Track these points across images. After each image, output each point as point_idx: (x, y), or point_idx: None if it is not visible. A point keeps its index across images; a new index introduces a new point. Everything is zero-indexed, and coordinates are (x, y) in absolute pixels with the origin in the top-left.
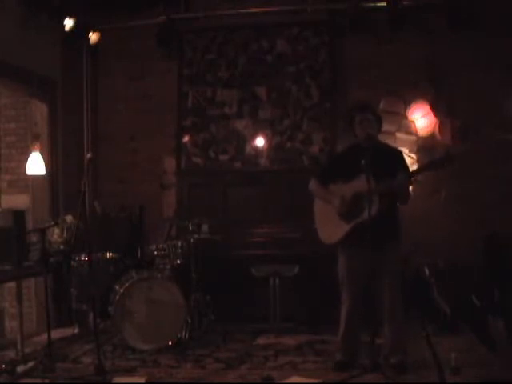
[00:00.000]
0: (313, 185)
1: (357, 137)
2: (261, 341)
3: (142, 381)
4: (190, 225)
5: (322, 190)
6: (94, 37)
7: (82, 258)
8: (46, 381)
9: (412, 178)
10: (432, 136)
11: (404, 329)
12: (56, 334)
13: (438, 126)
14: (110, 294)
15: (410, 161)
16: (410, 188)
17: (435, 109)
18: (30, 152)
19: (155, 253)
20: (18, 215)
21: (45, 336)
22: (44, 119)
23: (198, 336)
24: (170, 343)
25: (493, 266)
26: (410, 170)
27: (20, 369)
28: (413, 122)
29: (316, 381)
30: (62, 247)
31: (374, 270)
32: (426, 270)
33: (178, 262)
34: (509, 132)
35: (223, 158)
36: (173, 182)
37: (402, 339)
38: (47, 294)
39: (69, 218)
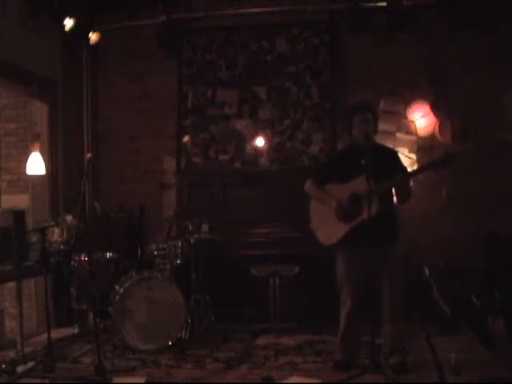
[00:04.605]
0: (309, 186)
1: (353, 137)
2: (261, 341)
3: (142, 381)
4: (189, 225)
5: (318, 190)
6: (94, 37)
7: (82, 258)
8: (46, 381)
9: (411, 178)
10: (432, 136)
11: (404, 329)
12: (56, 333)
13: (437, 125)
14: (110, 293)
15: (410, 161)
16: (411, 186)
17: (435, 109)
18: (30, 152)
19: (155, 253)
20: (18, 215)
21: (45, 336)
22: (44, 119)
23: (198, 336)
24: (169, 343)
25: (493, 266)
26: (410, 170)
27: (20, 369)
28: (413, 121)
29: (316, 381)
30: (62, 247)
31: (374, 269)
32: (426, 270)
33: (178, 261)
34: (509, 132)
35: (223, 157)
36: (173, 182)
37: (403, 339)
38: (47, 294)
39: (69, 217)
